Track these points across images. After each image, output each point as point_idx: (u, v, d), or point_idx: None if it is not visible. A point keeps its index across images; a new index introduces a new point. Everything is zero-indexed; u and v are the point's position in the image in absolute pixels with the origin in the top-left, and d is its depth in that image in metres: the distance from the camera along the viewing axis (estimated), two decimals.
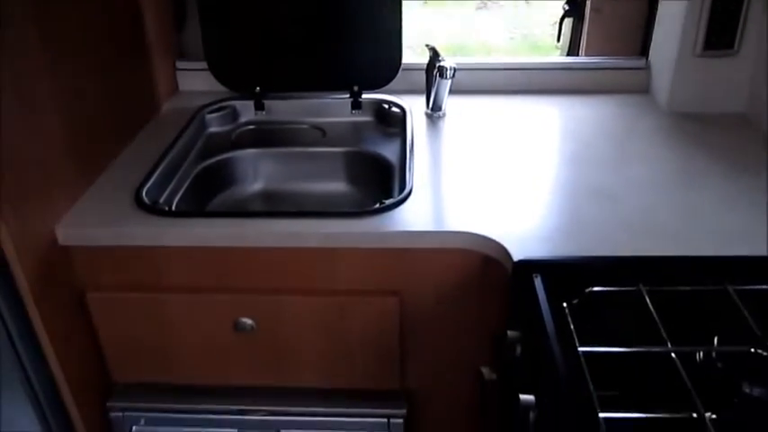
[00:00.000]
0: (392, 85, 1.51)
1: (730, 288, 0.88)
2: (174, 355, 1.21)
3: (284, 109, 1.55)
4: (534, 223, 1.08)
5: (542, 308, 0.87)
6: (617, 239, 1.03)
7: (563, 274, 0.93)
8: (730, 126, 1.39)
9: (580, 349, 0.80)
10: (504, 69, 1.59)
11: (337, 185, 1.46)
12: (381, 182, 1.34)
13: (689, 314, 0.88)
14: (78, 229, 1.11)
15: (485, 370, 1.02)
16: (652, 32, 1.52)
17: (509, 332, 0.95)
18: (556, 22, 1.75)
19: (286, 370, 1.22)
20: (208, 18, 1.47)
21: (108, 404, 1.25)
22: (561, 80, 1.58)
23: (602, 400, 0.74)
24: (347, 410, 1.22)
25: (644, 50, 1.57)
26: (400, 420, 1.22)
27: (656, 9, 1.50)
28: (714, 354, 0.81)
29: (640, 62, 1.56)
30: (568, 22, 1.71)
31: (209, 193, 1.42)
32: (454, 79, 1.40)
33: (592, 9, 1.63)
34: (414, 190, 1.18)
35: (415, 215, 1.11)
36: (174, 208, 1.25)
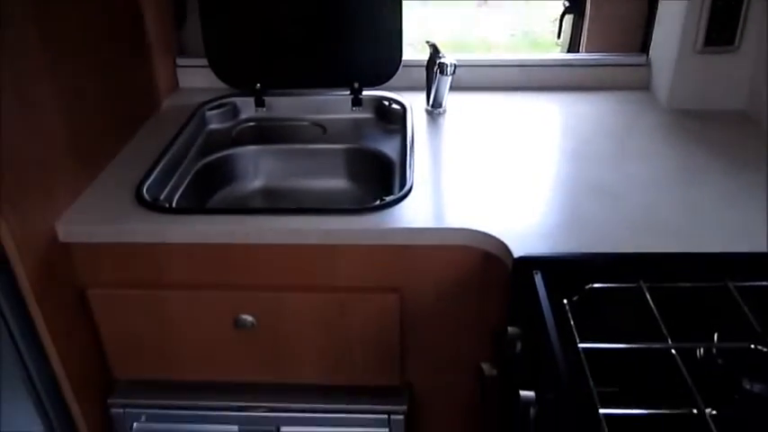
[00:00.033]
0: (392, 81, 1.51)
1: (730, 284, 0.88)
2: (174, 352, 1.21)
3: (285, 106, 1.55)
4: (534, 220, 1.08)
5: (543, 304, 0.87)
6: (617, 236, 1.03)
7: (563, 270, 0.93)
8: (730, 123, 1.39)
9: (580, 345, 0.80)
10: (505, 66, 1.59)
11: (337, 182, 1.46)
12: (382, 179, 1.34)
13: (689, 310, 0.88)
14: (79, 226, 1.11)
15: (485, 366, 1.02)
16: (652, 29, 1.52)
17: (509, 328, 0.95)
18: (556, 19, 1.75)
19: (286, 366, 1.22)
20: (208, 14, 1.47)
21: (109, 401, 1.25)
22: (561, 77, 1.58)
23: (602, 396, 0.74)
24: (347, 407, 1.23)
25: (644, 47, 1.57)
26: (401, 417, 1.22)
27: (657, 6, 1.50)
28: (714, 350, 0.81)
29: (641, 59, 1.56)
30: (569, 18, 1.70)
31: (209, 189, 1.42)
32: (455, 76, 1.40)
33: (592, 6, 1.63)
34: (414, 187, 1.18)
35: (415, 212, 1.11)
36: (174, 205, 1.25)
